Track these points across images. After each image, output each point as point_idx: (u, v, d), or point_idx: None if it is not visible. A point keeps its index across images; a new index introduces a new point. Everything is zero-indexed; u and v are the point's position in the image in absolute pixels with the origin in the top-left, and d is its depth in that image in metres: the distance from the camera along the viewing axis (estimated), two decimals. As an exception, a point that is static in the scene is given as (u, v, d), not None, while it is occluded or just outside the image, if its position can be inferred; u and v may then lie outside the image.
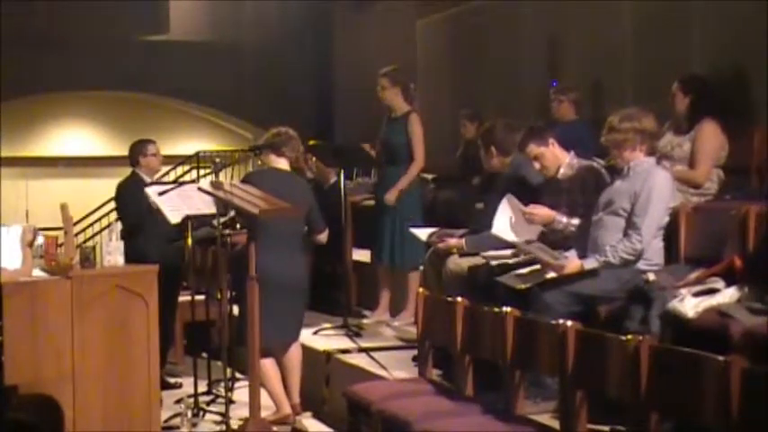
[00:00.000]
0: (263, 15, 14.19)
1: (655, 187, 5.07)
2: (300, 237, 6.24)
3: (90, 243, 11.09)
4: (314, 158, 8.85)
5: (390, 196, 7.32)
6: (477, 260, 5.81)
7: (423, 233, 6.59)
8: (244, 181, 6.25)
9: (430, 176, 8.73)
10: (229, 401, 6.16)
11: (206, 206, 6.37)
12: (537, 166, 5.79)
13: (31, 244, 5.51)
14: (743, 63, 6.46)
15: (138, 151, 7.51)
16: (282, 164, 6.32)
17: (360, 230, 8.33)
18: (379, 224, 7.43)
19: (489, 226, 6.10)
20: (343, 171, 7.50)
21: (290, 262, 6.07)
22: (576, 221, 5.55)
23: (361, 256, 8.31)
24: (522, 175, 6.05)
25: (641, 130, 5.16)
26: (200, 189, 6.16)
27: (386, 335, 7.18)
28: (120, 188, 7.54)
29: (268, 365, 6.10)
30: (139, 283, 5.54)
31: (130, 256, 5.86)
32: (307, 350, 6.50)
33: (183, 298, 8.00)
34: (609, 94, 7.81)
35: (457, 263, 5.98)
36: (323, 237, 6.41)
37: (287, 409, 6.18)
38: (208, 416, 6.57)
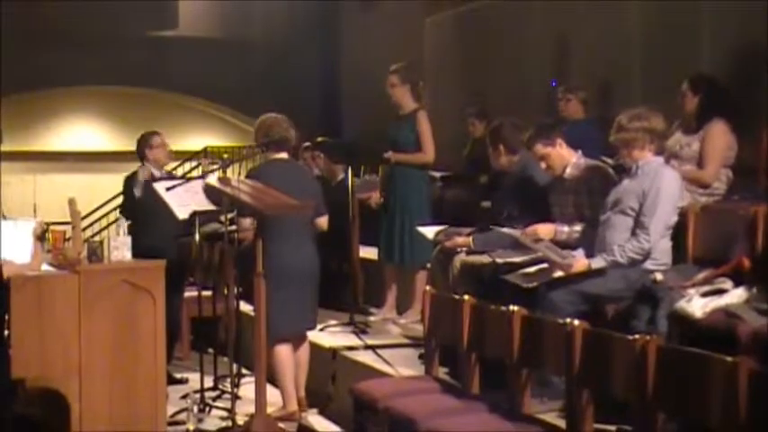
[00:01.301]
0: (271, 13, 14.20)
1: (663, 187, 5.06)
2: (310, 225, 6.28)
3: (97, 238, 11.08)
4: (321, 155, 8.85)
5: (390, 156, 7.34)
6: (485, 259, 5.81)
7: (429, 231, 6.58)
8: (250, 176, 6.25)
9: (438, 174, 8.72)
10: (235, 397, 6.17)
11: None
12: (543, 165, 5.80)
13: (40, 238, 5.52)
14: (751, 63, 6.44)
15: (144, 145, 7.51)
16: (284, 154, 6.33)
17: (367, 228, 8.32)
18: (388, 223, 7.44)
19: (496, 224, 6.11)
20: (350, 168, 7.51)
21: (304, 250, 6.14)
22: (578, 228, 5.58)
23: (368, 253, 8.31)
24: (530, 174, 6.05)
25: (650, 129, 5.15)
26: (207, 185, 6.17)
27: (392, 332, 7.19)
28: (127, 181, 7.56)
29: (285, 358, 6.12)
30: (146, 278, 5.54)
31: (135, 251, 5.86)
32: (313, 347, 6.50)
33: (190, 293, 8.01)
34: (617, 92, 7.80)
35: (464, 261, 5.98)
36: (323, 221, 6.38)
37: (294, 406, 6.19)
38: (214, 411, 6.58)
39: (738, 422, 3.40)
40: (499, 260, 5.61)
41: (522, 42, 9.10)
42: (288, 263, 5.98)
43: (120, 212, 7.64)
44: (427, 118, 7.38)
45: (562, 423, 4.41)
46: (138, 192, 7.23)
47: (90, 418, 5.32)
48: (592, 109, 7.60)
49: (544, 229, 5.59)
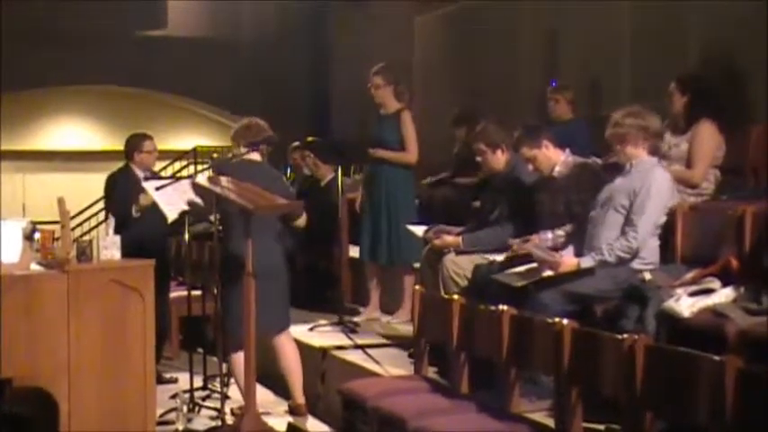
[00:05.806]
0: (261, 12, 14.20)
1: (654, 186, 5.08)
2: (273, 225, 6.08)
3: (86, 237, 11.08)
4: (311, 155, 8.85)
5: (375, 151, 7.31)
6: (474, 258, 5.82)
7: (419, 229, 6.59)
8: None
9: (433, 179, 8.70)
10: (225, 397, 6.16)
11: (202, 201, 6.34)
12: (530, 167, 5.82)
13: (29, 237, 5.51)
14: (740, 62, 6.47)
15: (134, 146, 7.44)
16: (255, 156, 6.22)
17: (356, 227, 8.32)
18: (372, 222, 7.41)
19: (486, 224, 6.12)
20: (340, 168, 7.50)
21: (262, 249, 5.71)
22: (561, 232, 5.58)
23: (357, 252, 8.31)
24: (519, 174, 6.05)
25: (644, 127, 5.17)
26: (195, 184, 6.15)
27: (381, 332, 7.18)
28: (110, 180, 7.48)
29: (239, 364, 5.92)
30: (135, 277, 5.53)
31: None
32: (302, 347, 6.50)
33: (180, 293, 7.99)
34: (606, 93, 7.82)
35: (453, 260, 5.98)
36: (302, 221, 6.30)
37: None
38: (203, 411, 6.57)
39: (726, 421, 3.41)
40: (489, 259, 5.62)
41: (512, 41, 9.11)
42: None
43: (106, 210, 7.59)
44: (411, 118, 7.38)
45: (551, 422, 4.42)
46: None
47: (79, 417, 5.30)
48: (582, 109, 7.62)
49: (533, 240, 5.59)
